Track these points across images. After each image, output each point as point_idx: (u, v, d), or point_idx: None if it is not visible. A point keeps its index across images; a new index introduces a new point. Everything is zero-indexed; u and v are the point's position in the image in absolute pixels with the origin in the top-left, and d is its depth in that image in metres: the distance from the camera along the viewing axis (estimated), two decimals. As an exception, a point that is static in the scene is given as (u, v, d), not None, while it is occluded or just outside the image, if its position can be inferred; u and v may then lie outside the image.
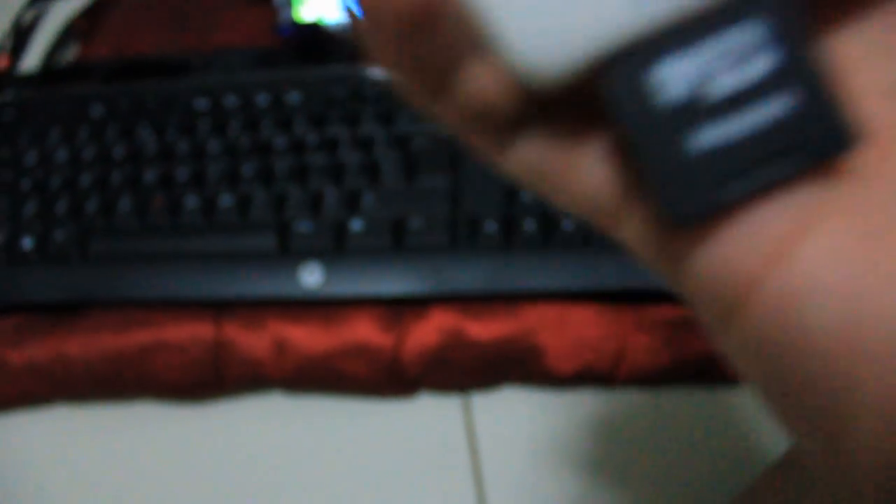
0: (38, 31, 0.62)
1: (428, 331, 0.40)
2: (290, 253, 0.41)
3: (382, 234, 0.41)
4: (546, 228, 0.40)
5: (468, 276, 0.39)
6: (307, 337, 0.40)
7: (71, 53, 0.59)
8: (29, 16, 0.62)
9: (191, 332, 0.41)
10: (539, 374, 0.39)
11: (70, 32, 0.60)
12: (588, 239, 0.39)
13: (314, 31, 0.54)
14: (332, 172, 0.43)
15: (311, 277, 0.40)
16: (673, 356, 0.38)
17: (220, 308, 0.41)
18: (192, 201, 0.43)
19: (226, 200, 0.43)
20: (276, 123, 0.46)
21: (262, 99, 0.47)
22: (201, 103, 0.48)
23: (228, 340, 0.41)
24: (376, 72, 0.48)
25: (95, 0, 0.61)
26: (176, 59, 0.53)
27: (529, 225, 0.40)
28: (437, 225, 0.40)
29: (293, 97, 0.47)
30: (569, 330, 0.39)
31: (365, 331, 0.40)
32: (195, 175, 0.44)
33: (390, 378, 0.40)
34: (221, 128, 0.46)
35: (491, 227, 0.40)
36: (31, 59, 0.59)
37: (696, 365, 0.39)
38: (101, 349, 0.41)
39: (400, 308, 0.40)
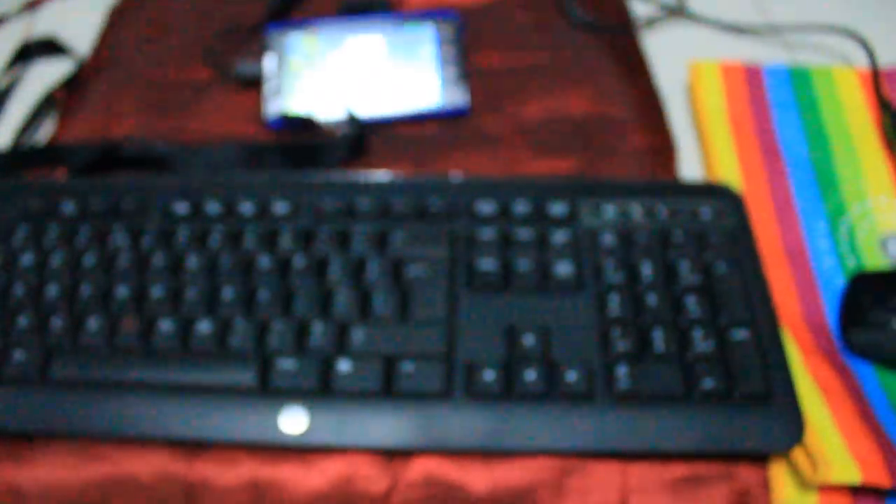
0: (14, 98, 0.59)
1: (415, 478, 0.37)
2: (271, 391, 0.38)
3: (372, 376, 0.38)
4: (549, 379, 0.37)
5: (463, 429, 0.36)
6: (290, 479, 0.37)
7: (47, 129, 0.56)
8: (4, 81, 0.59)
9: (159, 469, 0.38)
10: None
11: (48, 103, 0.57)
12: (592, 391, 0.37)
13: (305, 126, 0.51)
14: (319, 300, 0.40)
15: (294, 423, 0.37)
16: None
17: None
18: (166, 325, 0.40)
19: (204, 326, 0.40)
20: (260, 237, 0.43)
21: (246, 207, 0.44)
22: (181, 207, 0.45)
23: (201, 481, 0.37)
24: (371, 177, 0.45)
25: (76, 69, 0.58)
26: (157, 152, 0.49)
27: (531, 375, 0.37)
28: (431, 369, 0.38)
29: (280, 207, 0.44)
30: (570, 495, 0.36)
31: (352, 472, 0.37)
32: (171, 293, 0.41)
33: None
34: (202, 238, 0.43)
35: (489, 375, 0.37)
36: (4, 131, 0.56)
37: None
38: (58, 485, 0.38)
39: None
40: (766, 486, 0.37)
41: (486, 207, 0.44)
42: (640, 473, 0.37)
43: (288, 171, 0.48)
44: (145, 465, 0.38)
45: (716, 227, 0.43)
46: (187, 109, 0.54)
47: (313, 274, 0.41)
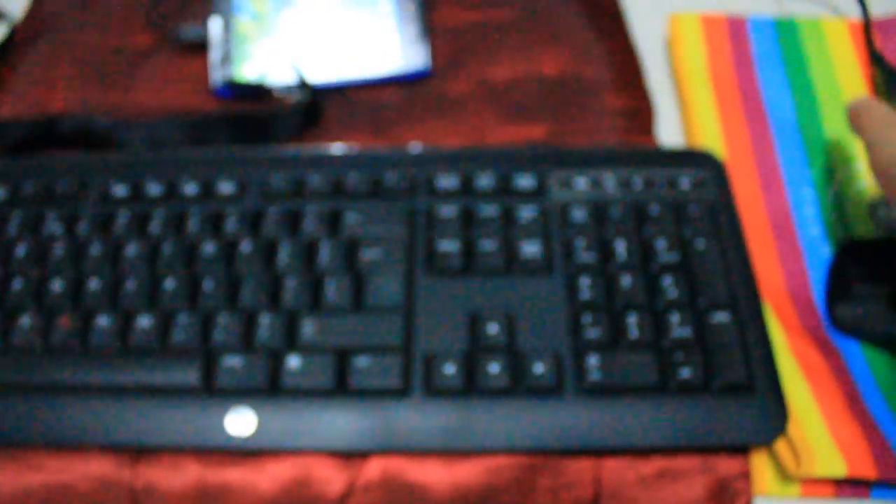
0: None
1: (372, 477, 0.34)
2: (216, 391, 0.35)
3: (323, 372, 0.35)
4: (514, 371, 0.34)
5: (423, 428, 0.34)
6: (239, 483, 0.35)
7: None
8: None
9: (101, 477, 0.35)
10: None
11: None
12: (561, 384, 0.34)
13: (255, 94, 0.47)
14: (267, 290, 0.37)
15: (241, 425, 0.34)
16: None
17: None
18: (104, 321, 0.37)
19: (144, 322, 0.37)
20: (204, 221, 0.39)
21: (189, 188, 0.41)
22: (119, 189, 0.41)
23: (145, 487, 0.35)
24: (323, 150, 0.42)
25: (8, 35, 0.54)
26: (95, 127, 0.46)
27: (494, 367, 0.34)
28: (388, 364, 0.35)
29: (225, 187, 0.41)
30: (539, 494, 0.34)
31: (305, 475, 0.35)
32: (109, 286, 0.38)
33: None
34: (141, 222, 0.40)
35: (450, 368, 0.34)
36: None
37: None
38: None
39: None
40: (747, 478, 0.34)
41: (447, 181, 0.40)
42: (615, 468, 0.34)
43: (235, 145, 0.44)
44: (86, 473, 0.35)
45: (696, 198, 0.40)
46: (129, 79, 0.50)
47: (261, 260, 0.38)
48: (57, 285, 0.38)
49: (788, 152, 0.45)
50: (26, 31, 0.53)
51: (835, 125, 0.45)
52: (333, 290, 0.37)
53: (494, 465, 0.34)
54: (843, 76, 0.47)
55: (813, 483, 0.34)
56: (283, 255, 0.38)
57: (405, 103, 0.47)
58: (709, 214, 0.39)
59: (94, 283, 0.38)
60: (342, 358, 0.35)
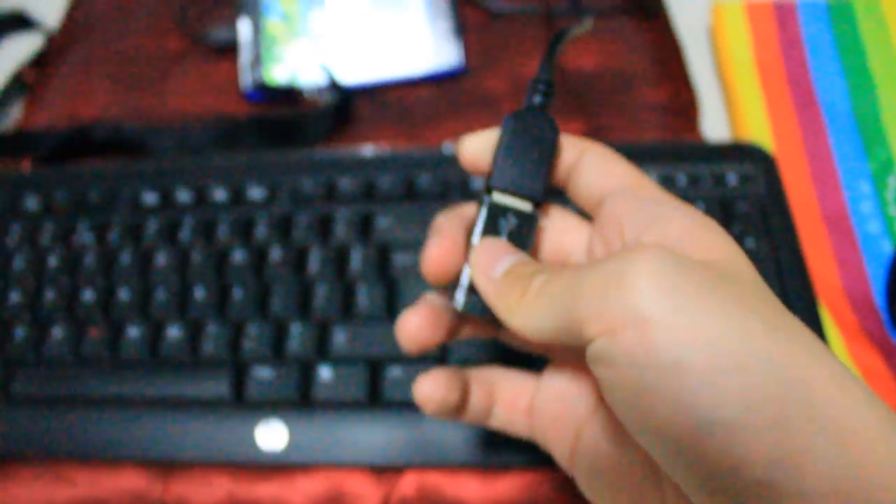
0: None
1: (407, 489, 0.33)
2: (246, 403, 0.34)
3: (356, 384, 0.34)
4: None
5: (459, 441, 0.33)
6: (270, 499, 0.34)
7: (16, 110, 0.52)
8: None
9: (132, 491, 0.35)
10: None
11: (17, 84, 0.53)
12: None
13: (285, 97, 0.47)
14: (297, 299, 0.36)
15: (272, 438, 0.33)
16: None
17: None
18: (134, 332, 0.36)
19: (174, 332, 0.36)
20: (234, 227, 0.39)
21: (219, 194, 0.40)
22: (150, 197, 0.41)
23: (176, 501, 0.34)
24: (354, 153, 0.41)
25: (45, 45, 0.54)
26: (127, 134, 0.45)
27: (532, 377, 0.33)
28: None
29: (255, 192, 0.40)
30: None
31: (337, 490, 0.33)
32: (139, 295, 0.37)
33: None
34: (171, 230, 0.39)
35: (486, 378, 0.33)
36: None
37: None
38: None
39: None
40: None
41: (481, 182, 0.39)
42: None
43: (266, 149, 0.44)
44: (117, 487, 0.35)
45: (744, 195, 0.38)
46: (161, 83, 0.49)
47: (291, 267, 0.37)
48: (88, 295, 0.38)
49: (843, 144, 0.42)
50: (62, 39, 0.53)
51: (894, 112, 0.43)
52: (366, 298, 0.36)
53: (534, 480, 0.33)
54: (903, 61, 0.45)
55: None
56: (314, 262, 0.37)
57: (439, 102, 0.46)
58: (758, 212, 0.37)
59: (124, 293, 0.37)
60: (375, 368, 0.34)
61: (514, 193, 0.23)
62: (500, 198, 0.23)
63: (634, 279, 0.17)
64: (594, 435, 0.24)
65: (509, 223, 0.23)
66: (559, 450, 0.25)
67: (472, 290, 0.23)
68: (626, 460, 0.23)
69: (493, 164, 0.23)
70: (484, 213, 0.23)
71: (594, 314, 0.18)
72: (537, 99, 0.24)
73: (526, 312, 0.20)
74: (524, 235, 0.23)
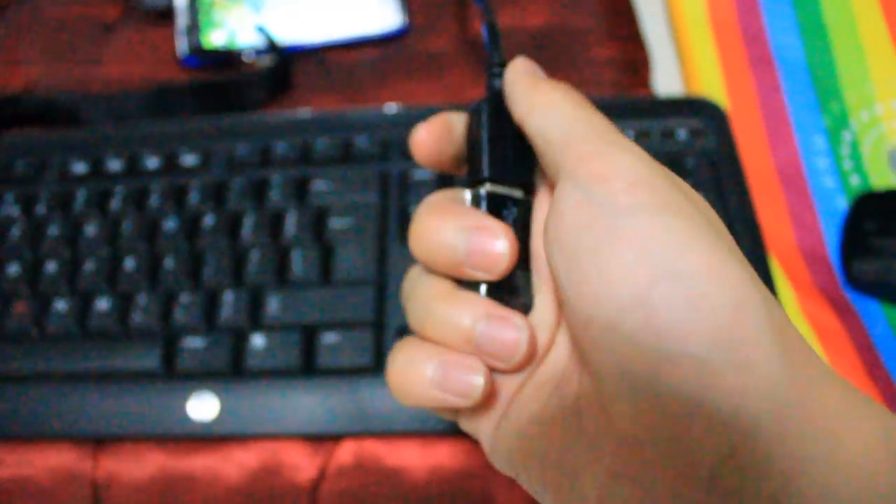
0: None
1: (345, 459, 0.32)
2: (177, 374, 0.33)
3: (290, 351, 0.32)
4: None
5: (397, 408, 0.31)
6: (204, 472, 0.33)
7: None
8: None
9: (61, 469, 0.33)
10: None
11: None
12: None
13: (223, 62, 0.45)
14: (230, 267, 0.35)
15: (203, 410, 0.32)
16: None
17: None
18: (62, 305, 0.35)
19: (103, 304, 0.34)
20: (166, 196, 0.37)
21: (151, 162, 0.38)
22: (79, 167, 0.39)
23: (106, 478, 0.33)
24: (291, 116, 0.39)
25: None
26: (59, 104, 0.43)
27: (472, 340, 0.31)
28: (359, 340, 0.32)
29: (188, 159, 0.38)
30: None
31: (273, 461, 0.32)
32: (67, 268, 0.36)
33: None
34: (101, 200, 0.38)
35: (424, 343, 0.32)
36: None
37: None
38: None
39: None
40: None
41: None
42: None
43: (202, 115, 0.42)
44: (46, 466, 0.33)
45: (693, 149, 0.36)
46: (95, 52, 0.47)
47: (225, 234, 0.36)
48: (13, 269, 0.36)
49: (798, 99, 0.41)
50: (-9, 9, 0.51)
51: (851, 65, 0.42)
52: (300, 263, 0.34)
53: (472, 446, 0.32)
54: (860, 10, 0.43)
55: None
56: (248, 229, 0.35)
57: (382, 63, 0.44)
58: (708, 166, 0.36)
59: (51, 266, 0.36)
60: (310, 335, 0.33)
61: (506, 183, 0.22)
62: (494, 188, 0.22)
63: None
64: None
65: (511, 213, 0.22)
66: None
67: None
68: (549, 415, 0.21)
69: (478, 156, 0.22)
70: (484, 207, 0.22)
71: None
72: (497, 83, 0.23)
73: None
74: (526, 222, 0.22)
